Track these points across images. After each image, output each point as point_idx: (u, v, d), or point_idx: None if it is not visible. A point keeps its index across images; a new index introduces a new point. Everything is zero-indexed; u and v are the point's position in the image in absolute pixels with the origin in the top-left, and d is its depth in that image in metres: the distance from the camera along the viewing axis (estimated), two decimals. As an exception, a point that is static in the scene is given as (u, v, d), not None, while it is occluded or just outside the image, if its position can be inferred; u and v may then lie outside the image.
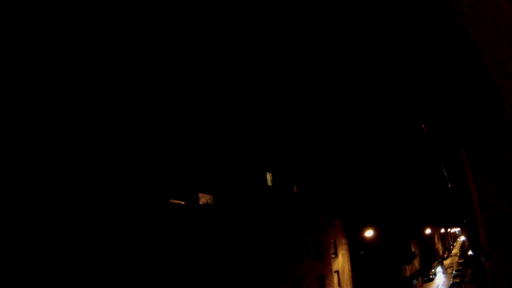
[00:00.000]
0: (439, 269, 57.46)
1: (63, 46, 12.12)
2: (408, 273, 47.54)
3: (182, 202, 15.62)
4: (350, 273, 31.63)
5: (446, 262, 68.04)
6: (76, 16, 12.66)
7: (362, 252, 34.18)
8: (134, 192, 13.24)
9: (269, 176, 23.77)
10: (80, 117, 12.17)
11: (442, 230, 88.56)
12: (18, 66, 10.78)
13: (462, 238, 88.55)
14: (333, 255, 29.59)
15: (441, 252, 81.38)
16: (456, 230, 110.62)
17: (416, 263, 52.70)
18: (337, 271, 29.58)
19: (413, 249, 49.84)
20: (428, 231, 63.09)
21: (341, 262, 30.61)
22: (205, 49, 19.84)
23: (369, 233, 29.72)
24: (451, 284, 39.22)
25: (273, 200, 22.70)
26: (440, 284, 44.84)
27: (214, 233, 16.72)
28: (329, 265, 28.30)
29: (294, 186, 27.01)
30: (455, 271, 46.04)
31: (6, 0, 10.50)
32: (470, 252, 45.64)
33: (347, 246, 32.63)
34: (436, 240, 77.88)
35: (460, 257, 63.88)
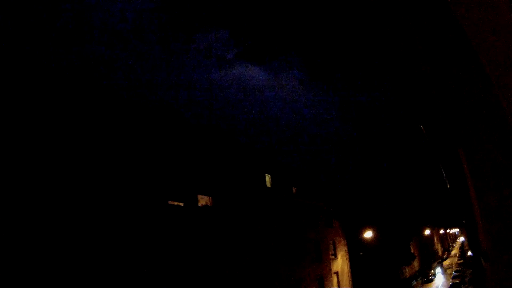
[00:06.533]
0: (438, 270, 57.45)
1: (63, 45, 12.10)
2: (407, 274, 47.53)
3: (181, 204, 15.61)
4: (349, 274, 31.59)
5: (446, 262, 68.04)
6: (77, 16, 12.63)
7: (361, 253, 34.18)
8: (133, 194, 13.21)
9: (268, 178, 23.77)
10: (79, 118, 12.15)
11: (442, 231, 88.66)
12: (17, 66, 10.77)
13: (462, 238, 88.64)
14: (332, 256, 29.55)
15: (440, 253, 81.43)
16: (455, 230, 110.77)
17: (415, 264, 52.70)
18: (337, 272, 29.54)
19: (412, 250, 49.86)
20: (427, 232, 63.14)
21: (340, 263, 30.58)
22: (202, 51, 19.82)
23: (368, 234, 29.71)
24: (451, 285, 39.20)
25: (272, 201, 22.68)
26: (440, 285, 44.81)
27: (213, 235, 16.70)
28: (328, 266, 28.26)
29: (293, 188, 27.01)
30: (455, 271, 46.04)
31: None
32: (469, 253, 45.71)
33: (346, 247, 32.59)
34: (435, 241, 77.92)
35: (459, 257, 63.93)
